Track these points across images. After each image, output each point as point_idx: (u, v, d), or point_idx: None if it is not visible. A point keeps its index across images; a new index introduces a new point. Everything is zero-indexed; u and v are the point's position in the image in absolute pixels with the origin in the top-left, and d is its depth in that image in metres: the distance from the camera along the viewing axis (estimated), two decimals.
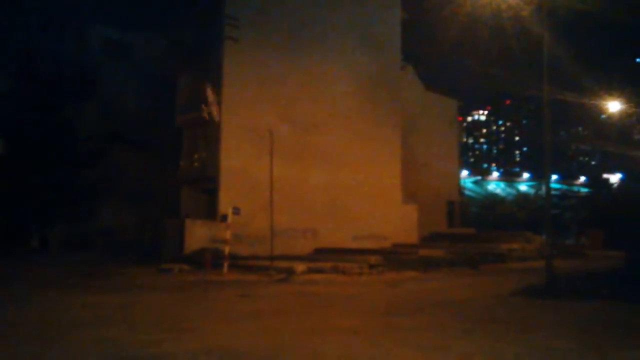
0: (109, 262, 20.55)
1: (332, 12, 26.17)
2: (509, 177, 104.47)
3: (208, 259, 18.62)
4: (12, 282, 14.48)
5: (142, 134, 27.20)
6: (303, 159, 24.48)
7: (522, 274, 16.67)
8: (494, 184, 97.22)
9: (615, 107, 30.33)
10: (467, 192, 65.65)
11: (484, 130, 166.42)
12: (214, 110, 22.35)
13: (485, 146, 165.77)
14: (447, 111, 36.50)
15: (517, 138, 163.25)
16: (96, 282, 14.84)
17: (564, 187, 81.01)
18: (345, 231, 25.03)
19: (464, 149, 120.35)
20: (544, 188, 17.85)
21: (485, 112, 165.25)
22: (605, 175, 72.02)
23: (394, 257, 19.66)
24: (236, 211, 17.51)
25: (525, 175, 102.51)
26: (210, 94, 22.63)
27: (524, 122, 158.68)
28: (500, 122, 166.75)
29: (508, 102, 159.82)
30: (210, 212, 23.36)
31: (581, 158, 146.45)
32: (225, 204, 20.71)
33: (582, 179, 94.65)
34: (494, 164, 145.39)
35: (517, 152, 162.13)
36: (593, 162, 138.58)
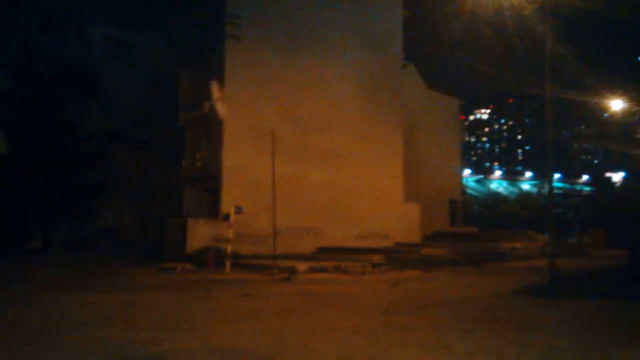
0: (111, 261, 20.58)
1: (333, 11, 26.16)
2: (511, 175, 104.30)
3: (210, 258, 18.63)
4: (13, 282, 14.51)
5: (144, 133, 27.24)
6: (305, 158, 24.48)
7: (524, 272, 16.63)
8: (497, 182, 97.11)
9: (618, 106, 30.23)
10: (469, 191, 65.66)
11: (487, 129, 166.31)
12: (220, 107, 22.10)
13: (487, 145, 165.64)
14: (449, 110, 36.47)
15: (519, 137, 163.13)
16: (97, 281, 14.86)
17: (567, 185, 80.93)
18: (348, 230, 25.04)
19: (466, 147, 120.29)
20: (546, 187, 17.81)
21: (488, 111, 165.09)
22: (608, 174, 71.94)
23: (397, 256, 19.65)
24: (238, 210, 17.51)
25: (528, 174, 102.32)
26: (215, 90, 22.43)
27: (527, 120, 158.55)
28: (503, 121, 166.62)
29: (510, 100, 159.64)
30: (212, 211, 23.38)
31: (584, 157, 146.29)
32: (227, 203, 20.74)
33: (585, 177, 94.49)
34: (496, 163, 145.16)
35: (519, 150, 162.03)
36: (596, 161, 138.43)
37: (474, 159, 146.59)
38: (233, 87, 23.09)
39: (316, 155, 24.96)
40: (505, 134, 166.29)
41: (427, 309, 10.12)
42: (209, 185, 23.90)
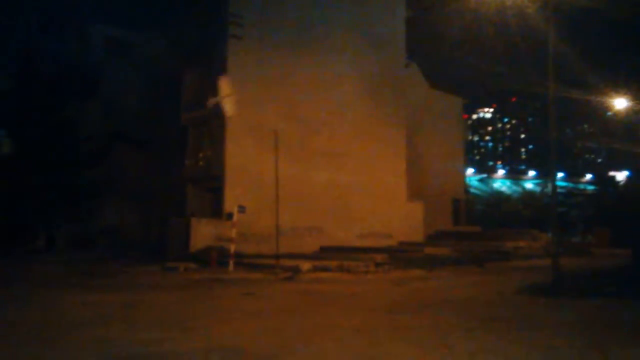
0: (114, 261, 20.60)
1: (335, 10, 26.14)
2: (514, 174, 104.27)
3: (214, 258, 18.65)
4: (15, 281, 14.53)
5: (146, 132, 27.26)
6: (308, 157, 24.48)
7: (527, 272, 16.62)
8: (500, 181, 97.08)
9: (622, 104, 30.11)
10: (472, 190, 65.60)
11: (490, 128, 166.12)
12: (228, 103, 21.58)
13: (490, 144, 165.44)
14: (452, 109, 36.42)
15: (522, 135, 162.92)
16: (99, 281, 14.87)
17: (570, 184, 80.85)
18: (351, 229, 25.04)
19: (470, 146, 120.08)
20: (550, 186, 17.79)
21: (491, 110, 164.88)
22: (611, 173, 71.78)
23: (400, 256, 19.65)
24: (241, 210, 17.52)
25: (531, 173, 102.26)
26: (225, 86, 21.94)
27: (530, 119, 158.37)
28: (506, 120, 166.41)
29: (514, 99, 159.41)
30: (215, 210, 23.39)
31: (587, 155, 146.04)
32: (230, 203, 20.76)
33: (589, 176, 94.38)
34: (499, 162, 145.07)
35: (522, 149, 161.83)
36: (599, 160, 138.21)
37: (477, 158, 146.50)
38: (235, 86, 23.06)
39: (319, 155, 24.96)
40: (508, 132, 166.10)
41: (430, 308, 10.12)
42: (212, 185, 23.91)
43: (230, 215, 17.86)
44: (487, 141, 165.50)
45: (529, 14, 15.64)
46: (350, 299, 11.50)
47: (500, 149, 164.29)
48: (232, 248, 17.18)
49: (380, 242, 24.60)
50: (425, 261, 18.81)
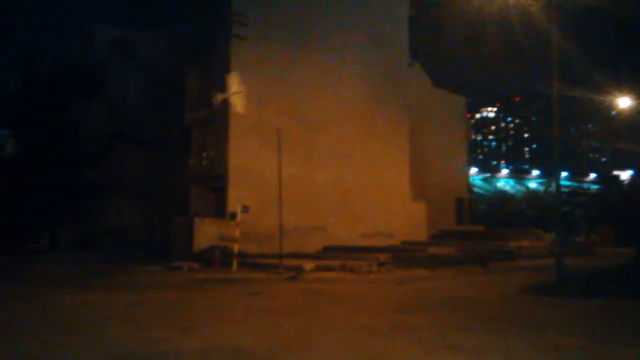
0: (118, 260, 20.65)
1: (338, 9, 26.13)
2: (518, 174, 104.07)
3: (217, 257, 18.67)
4: (19, 281, 14.57)
5: (150, 132, 27.31)
6: (311, 156, 24.48)
7: (531, 271, 16.59)
8: (503, 181, 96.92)
9: (626, 103, 30.02)
10: (476, 190, 65.54)
11: (493, 127, 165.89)
12: (237, 101, 21.00)
13: (494, 143, 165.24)
14: (456, 108, 36.35)
15: (526, 135, 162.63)
16: (104, 280, 14.90)
17: (574, 184, 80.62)
18: (354, 229, 25.03)
19: (473, 146, 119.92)
20: (553, 185, 17.75)
21: (494, 109, 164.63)
22: (615, 172, 71.63)
23: (403, 255, 19.63)
24: (245, 209, 17.54)
25: (535, 172, 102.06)
26: (233, 83, 21.39)
27: (533, 118, 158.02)
28: (509, 119, 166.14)
29: (517, 98, 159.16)
30: (219, 210, 23.42)
31: (591, 155, 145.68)
32: (234, 202, 20.77)
33: (593, 175, 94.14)
34: (503, 161, 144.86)
35: (526, 149, 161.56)
36: (603, 159, 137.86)
37: (481, 157, 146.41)
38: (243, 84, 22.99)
39: (322, 154, 24.96)
40: (511, 132, 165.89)
41: (433, 307, 10.11)
42: (216, 185, 23.93)
43: (233, 215, 17.88)
44: (491, 140, 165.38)
45: (533, 12, 15.61)
46: (354, 299, 11.51)
47: (504, 148, 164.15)
48: (236, 248, 17.20)
49: (383, 241, 24.58)
50: (429, 261, 18.79)
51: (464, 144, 37.56)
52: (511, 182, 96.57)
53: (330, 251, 22.32)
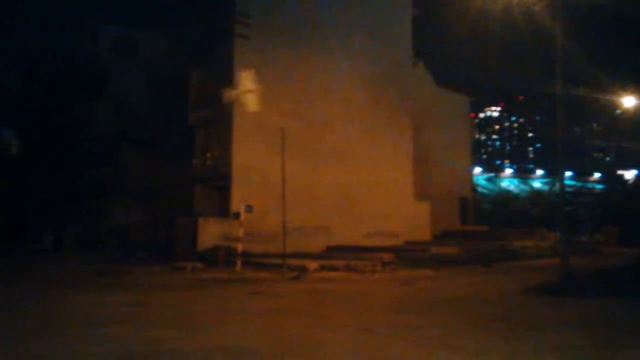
0: (122, 260, 20.69)
1: (341, 9, 26.13)
2: (522, 173, 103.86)
3: (221, 257, 18.69)
4: (23, 281, 14.62)
5: (154, 132, 27.34)
6: (314, 156, 24.48)
7: (535, 271, 16.55)
8: (507, 180, 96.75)
9: (630, 103, 29.89)
10: (479, 189, 65.38)
11: (497, 127, 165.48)
12: (251, 99, 20.20)
13: (498, 143, 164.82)
14: (459, 107, 36.33)
15: (530, 134, 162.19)
16: (108, 280, 14.93)
17: (579, 183, 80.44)
18: (358, 229, 25.02)
19: (477, 145, 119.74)
20: (558, 185, 17.70)
21: (498, 108, 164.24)
22: (619, 172, 71.39)
23: (407, 255, 19.62)
24: (249, 209, 17.55)
25: (539, 171, 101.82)
26: (246, 81, 20.60)
27: (537, 118, 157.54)
28: (513, 119, 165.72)
29: (521, 98, 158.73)
30: (222, 209, 23.44)
31: (596, 154, 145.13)
32: (237, 202, 20.80)
33: (597, 175, 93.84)
34: (507, 161, 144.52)
35: (530, 148, 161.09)
36: (608, 158, 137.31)
37: (485, 157, 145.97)
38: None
39: (326, 154, 24.96)
40: (515, 131, 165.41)
41: (437, 307, 10.10)
42: (219, 184, 23.96)
43: (237, 215, 17.90)
44: (495, 140, 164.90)
45: (537, 11, 15.56)
46: (357, 299, 11.50)
47: (508, 147, 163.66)
48: (240, 247, 17.21)
49: (387, 241, 24.56)
50: (432, 260, 18.77)
51: (467, 144, 37.53)
52: (515, 181, 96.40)
53: (333, 251, 22.33)
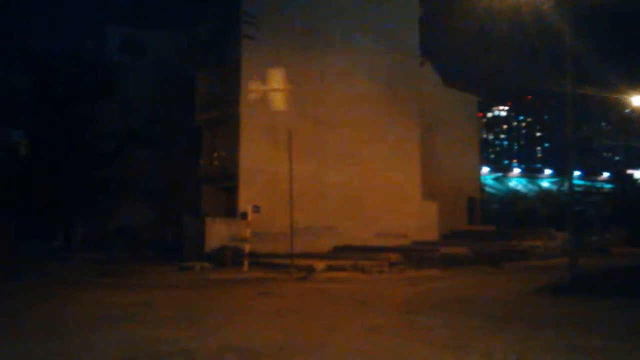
0: (130, 260, 20.74)
1: (349, 9, 26.10)
2: (530, 173, 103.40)
3: (228, 257, 18.72)
4: (33, 281, 14.66)
5: (161, 131, 27.41)
6: (322, 156, 24.47)
7: (544, 271, 16.44)
8: (515, 180, 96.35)
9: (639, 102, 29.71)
10: (487, 189, 65.19)
11: (505, 126, 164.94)
12: (280, 97, 19.40)
13: (506, 142, 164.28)
14: (467, 107, 36.21)
15: (538, 134, 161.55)
16: (116, 280, 14.96)
17: (588, 183, 79.97)
18: (365, 229, 24.97)
19: (485, 145, 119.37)
20: (566, 184, 17.59)
21: (506, 108, 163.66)
22: (629, 171, 70.91)
23: (415, 255, 19.55)
24: (256, 209, 17.56)
25: (547, 171, 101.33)
26: (280, 78, 19.64)
27: (545, 117, 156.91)
28: (521, 118, 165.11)
29: (529, 97, 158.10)
30: (230, 210, 23.47)
31: (605, 153, 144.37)
32: (245, 202, 20.82)
33: (606, 174, 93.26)
34: (515, 160, 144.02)
35: (538, 148, 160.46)
36: (617, 158, 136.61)
37: (493, 156, 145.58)
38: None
39: (333, 154, 24.94)
40: (523, 131, 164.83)
41: (445, 308, 10.05)
42: (227, 184, 23.99)
43: (244, 215, 17.91)
44: (503, 139, 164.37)
45: (545, 10, 15.47)
46: (365, 299, 11.46)
47: (516, 147, 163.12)
48: (247, 248, 17.22)
49: (394, 241, 24.48)
50: (440, 261, 18.71)
51: (475, 143, 37.40)
52: (523, 181, 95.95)
53: (341, 251, 22.29)
